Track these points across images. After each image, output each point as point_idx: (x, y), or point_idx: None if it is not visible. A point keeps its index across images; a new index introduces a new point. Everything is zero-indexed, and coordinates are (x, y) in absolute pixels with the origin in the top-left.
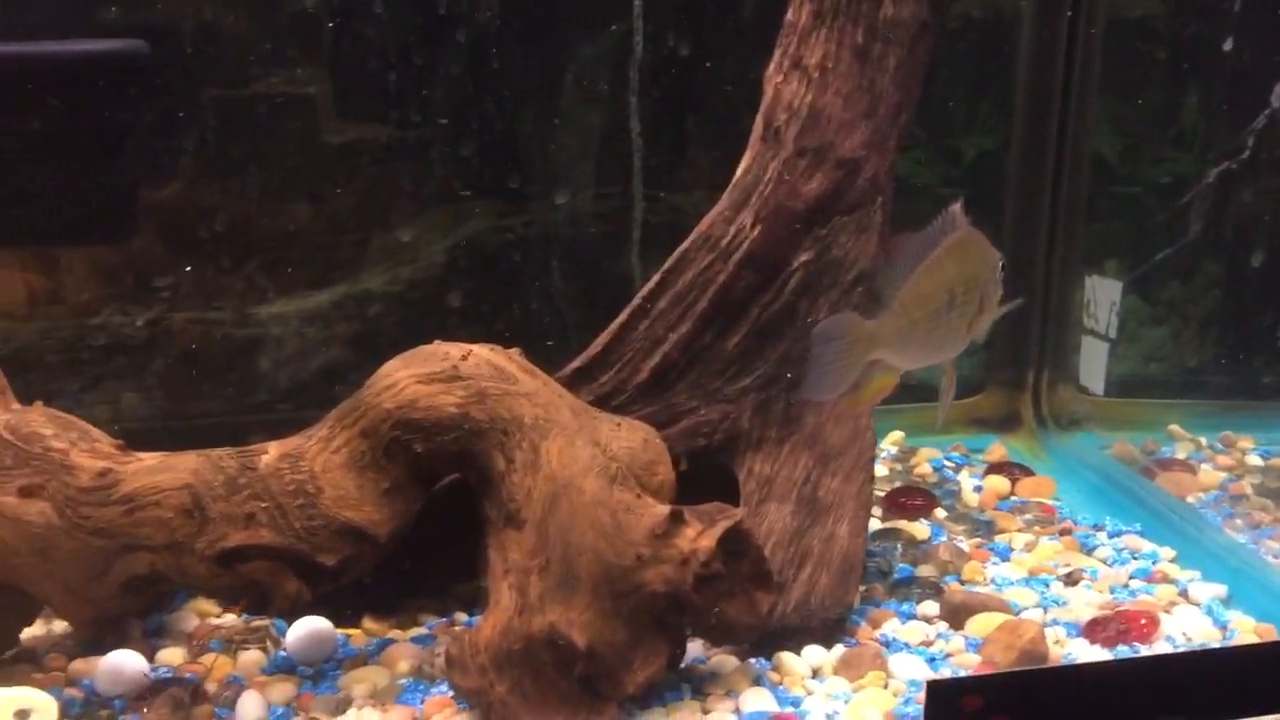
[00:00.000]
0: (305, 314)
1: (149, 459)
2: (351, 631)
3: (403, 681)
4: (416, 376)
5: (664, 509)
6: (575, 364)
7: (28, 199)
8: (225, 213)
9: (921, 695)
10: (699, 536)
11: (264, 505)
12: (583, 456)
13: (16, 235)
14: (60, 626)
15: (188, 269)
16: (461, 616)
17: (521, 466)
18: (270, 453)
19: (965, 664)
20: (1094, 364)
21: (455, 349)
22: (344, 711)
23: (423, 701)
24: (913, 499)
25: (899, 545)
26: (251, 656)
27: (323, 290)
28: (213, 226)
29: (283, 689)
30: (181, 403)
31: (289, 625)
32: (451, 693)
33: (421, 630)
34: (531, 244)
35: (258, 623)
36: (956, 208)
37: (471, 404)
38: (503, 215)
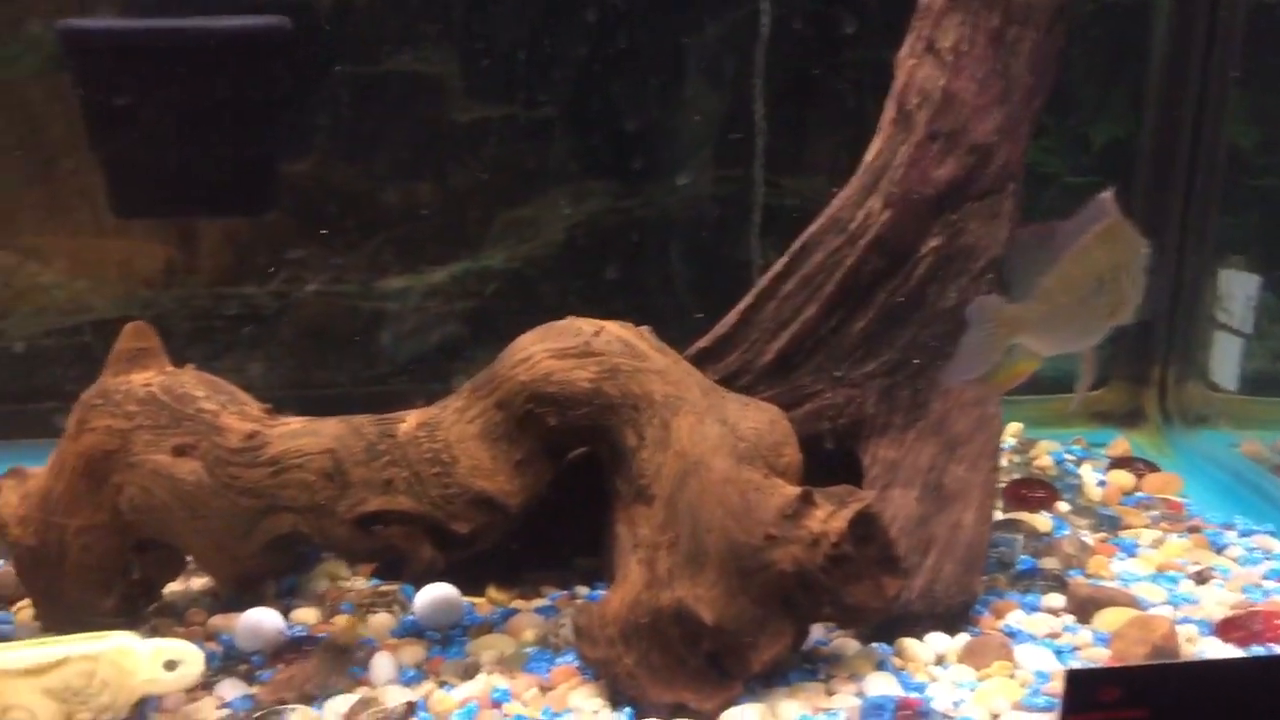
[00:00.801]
0: (428, 289)
1: (294, 423)
2: (476, 600)
3: (528, 650)
4: (550, 351)
5: (794, 489)
6: (701, 344)
7: (175, 173)
8: (355, 188)
9: (1050, 687)
10: (829, 518)
11: (402, 472)
12: (712, 435)
13: (163, 208)
14: (199, 583)
15: (317, 243)
16: (582, 590)
17: (652, 443)
18: (408, 421)
19: (1094, 658)
20: (1227, 359)
21: (588, 324)
22: (473, 677)
23: (549, 670)
24: (1034, 491)
25: (1020, 537)
26: (381, 620)
27: (445, 266)
28: (342, 201)
29: (413, 652)
30: (306, 373)
31: (417, 591)
32: (577, 663)
33: (544, 601)
34: (650, 225)
35: (386, 587)
36: (1107, 195)
37: (604, 379)
38: (622, 195)
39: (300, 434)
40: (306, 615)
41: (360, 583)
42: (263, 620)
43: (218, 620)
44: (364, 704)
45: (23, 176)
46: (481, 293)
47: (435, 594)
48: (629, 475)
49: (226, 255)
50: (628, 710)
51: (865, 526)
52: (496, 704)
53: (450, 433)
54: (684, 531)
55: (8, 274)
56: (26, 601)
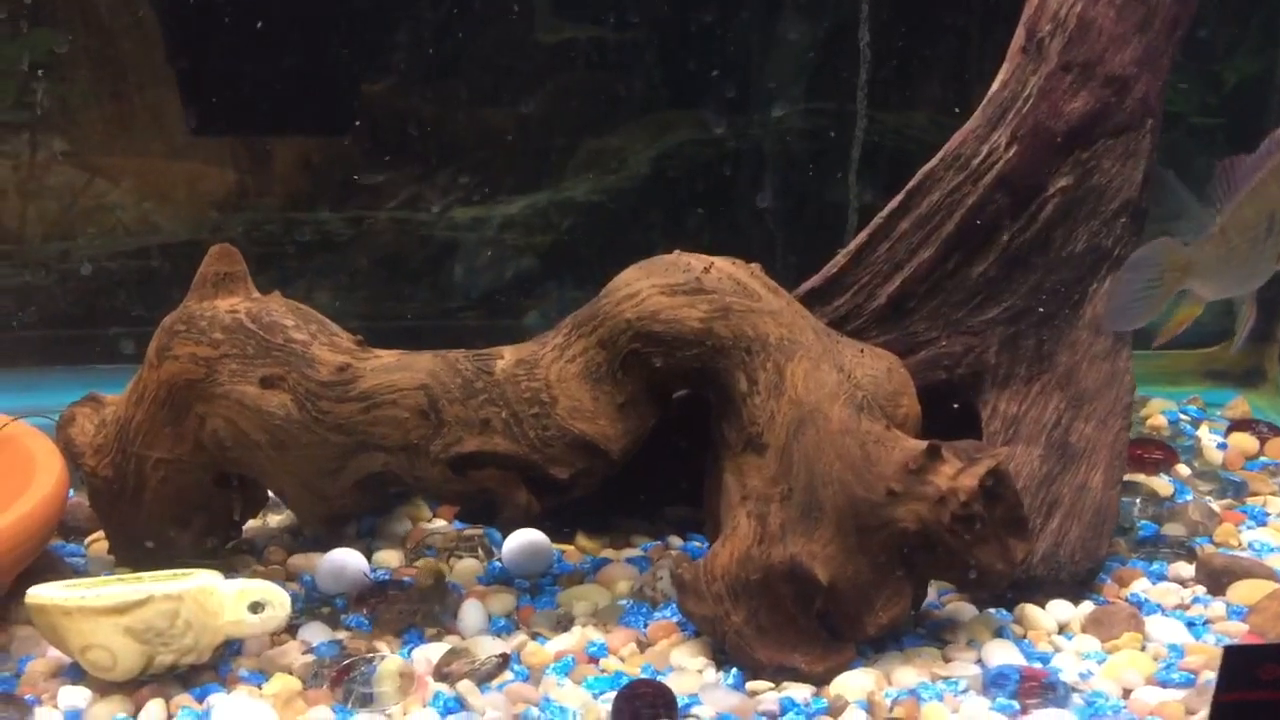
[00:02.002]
0: (505, 220)
1: (386, 356)
2: (565, 547)
3: (623, 603)
4: (659, 287)
5: (919, 442)
6: (810, 284)
7: (253, 89)
8: (434, 111)
9: (1187, 662)
10: (959, 474)
11: (499, 412)
12: (829, 382)
13: (239, 125)
14: (275, 520)
15: (393, 168)
16: (675, 541)
17: (765, 388)
18: (506, 358)
19: (1229, 632)
20: None
21: (697, 260)
22: (567, 629)
23: (646, 625)
24: (1151, 452)
25: (1137, 500)
26: (467, 565)
27: (525, 196)
28: (421, 125)
29: (502, 600)
30: (376, 304)
31: (504, 537)
32: (676, 618)
33: (635, 552)
34: (742, 158)
35: (470, 531)
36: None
37: (715, 319)
38: (710, 126)
39: (393, 368)
40: (388, 558)
41: (441, 525)
42: (346, 562)
43: (298, 560)
44: (454, 654)
45: (95, 91)
46: (560, 226)
47: (524, 540)
48: (739, 422)
49: (300, 179)
50: (734, 670)
51: (995, 485)
52: (593, 659)
53: (550, 371)
54: (798, 484)
55: (75, 192)
56: (99, 534)
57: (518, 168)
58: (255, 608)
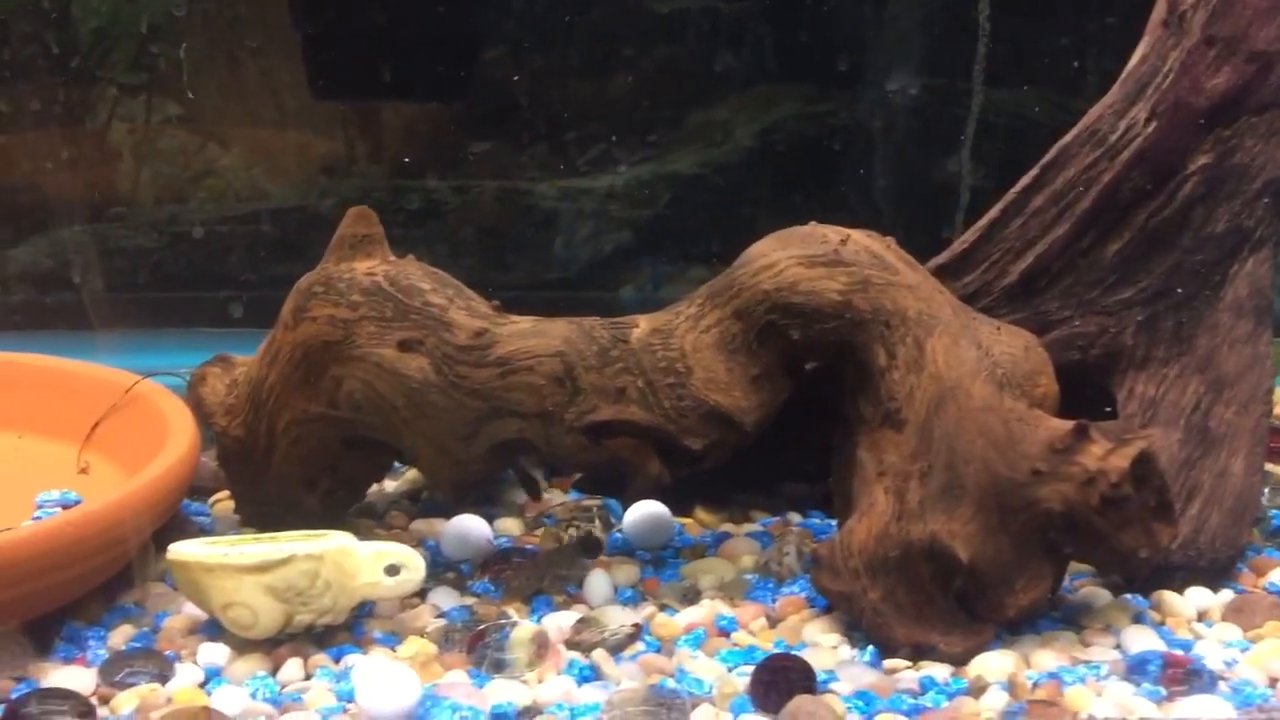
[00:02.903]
0: (610, 191)
1: (523, 322)
2: (684, 520)
3: (748, 577)
4: (796, 258)
5: (1065, 422)
6: (939, 260)
7: (375, 55)
8: (544, 81)
9: None
10: (1109, 455)
11: (635, 381)
12: (968, 358)
13: (360, 90)
14: (392, 486)
15: (501, 137)
16: (794, 517)
17: (904, 363)
18: (641, 326)
19: None
20: None
21: (833, 232)
22: (694, 602)
23: (774, 600)
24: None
25: (1266, 490)
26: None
27: (632, 167)
28: (531, 94)
29: (626, 571)
30: (481, 272)
31: (624, 508)
32: (804, 593)
33: (754, 527)
34: (848, 133)
35: (588, 502)
36: None
37: (854, 292)
38: (824, 100)
39: (529, 334)
40: (509, 526)
41: (556, 495)
42: (471, 528)
43: (419, 525)
44: (585, 624)
45: (211, 55)
46: (662, 198)
47: (646, 512)
48: (876, 397)
49: (409, 146)
50: (870, 648)
51: (1143, 467)
52: (724, 632)
53: (684, 341)
54: (938, 461)
55: (189, 155)
56: (224, 494)
57: (625, 139)
58: (391, 570)
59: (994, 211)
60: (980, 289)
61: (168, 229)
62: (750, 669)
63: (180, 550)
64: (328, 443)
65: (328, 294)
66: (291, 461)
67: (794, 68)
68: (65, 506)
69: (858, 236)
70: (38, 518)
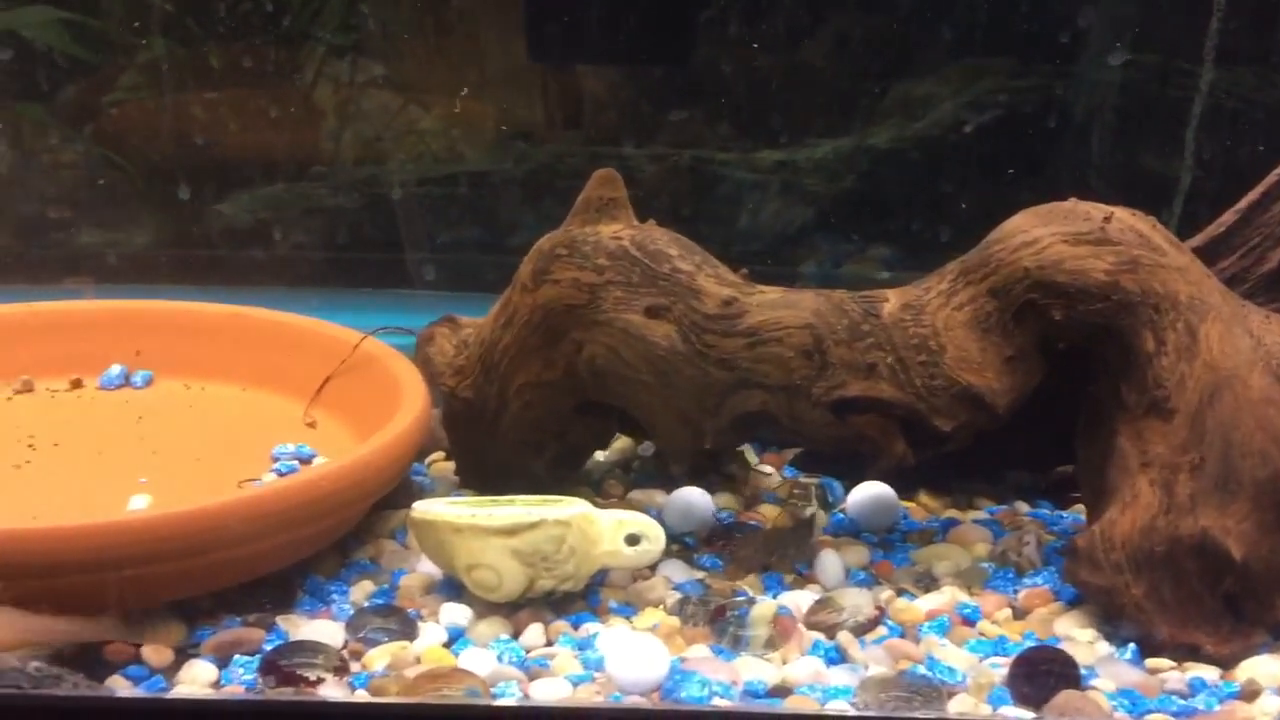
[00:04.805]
0: (807, 164)
1: (771, 292)
2: (908, 504)
3: (985, 566)
4: (1060, 235)
5: None
6: (1192, 242)
7: (595, 16)
8: (748, 49)
9: None
10: None
11: (886, 357)
12: (1243, 347)
13: (579, 52)
14: (601, 455)
15: (701, 106)
16: (1022, 506)
17: (1174, 349)
18: (891, 301)
19: None
20: None
21: (1095, 209)
22: (931, 588)
23: (1015, 591)
24: None
25: None
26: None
27: (830, 140)
28: (734, 63)
29: (856, 552)
30: None
31: (846, 489)
32: (1047, 585)
33: (980, 514)
34: (1059, 110)
35: (806, 480)
36: None
37: (1123, 272)
38: (1025, 74)
39: (779, 305)
40: (727, 501)
41: (768, 470)
42: (694, 501)
43: (637, 495)
44: (822, 604)
45: (415, 18)
46: (857, 173)
47: (872, 493)
48: (1141, 384)
49: (608, 113)
50: (1130, 645)
51: None
52: (968, 621)
53: (936, 318)
54: (1212, 454)
55: (390, 114)
56: (440, 454)
57: (825, 111)
58: (631, 540)
59: (1253, 194)
60: (1236, 275)
61: (365, 190)
62: (1001, 660)
63: (426, 509)
64: (559, 408)
65: (572, 257)
66: (520, 425)
67: (1001, 40)
68: (301, 459)
69: (1122, 214)
70: (277, 470)
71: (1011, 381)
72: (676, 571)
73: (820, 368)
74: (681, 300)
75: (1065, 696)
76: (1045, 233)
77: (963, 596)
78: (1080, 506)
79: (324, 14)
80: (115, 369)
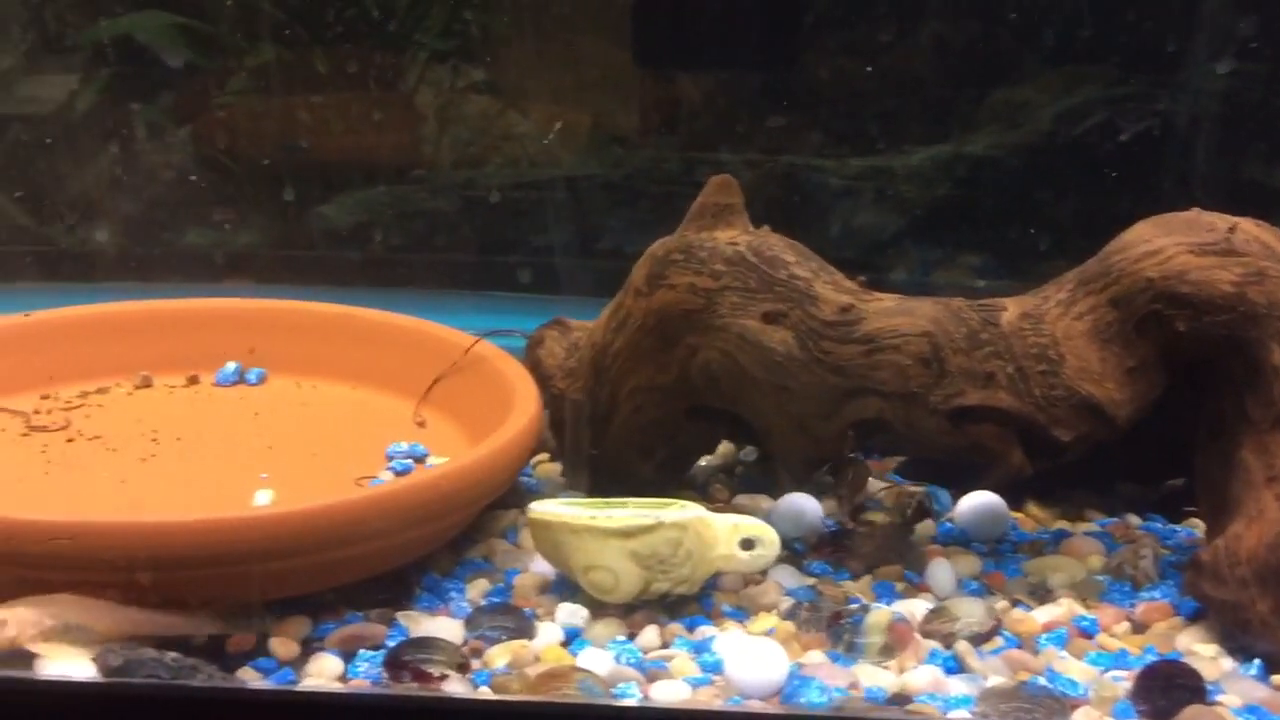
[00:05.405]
0: (903, 171)
1: (887, 299)
2: (1016, 515)
3: (1100, 579)
4: (1185, 246)
5: None
6: None
7: (704, 21)
8: (847, 55)
9: None
10: None
11: (1005, 366)
12: None
13: (687, 57)
14: (704, 460)
15: (799, 111)
16: (1133, 519)
17: None
18: (1010, 310)
19: None
20: None
21: (1219, 219)
22: (1046, 600)
23: (1132, 604)
24: None
25: None
26: (921, 524)
27: (927, 147)
28: (833, 69)
29: (966, 562)
30: None
31: (953, 497)
32: (1165, 599)
33: (1091, 526)
34: (1163, 119)
35: (912, 488)
36: None
37: (1249, 284)
38: (1127, 82)
39: (895, 312)
40: (829, 508)
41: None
42: (805, 507)
43: (743, 500)
44: (937, 613)
45: (515, 23)
46: (952, 180)
47: (981, 502)
48: (1267, 398)
49: (704, 118)
50: (1255, 661)
51: None
52: (1086, 634)
53: (1056, 328)
54: None
55: (488, 120)
56: (544, 456)
57: (924, 118)
58: (746, 544)
59: None
60: None
61: (462, 193)
62: (1122, 674)
63: (543, 509)
64: (670, 412)
65: (688, 262)
66: (630, 429)
67: (1102, 47)
68: (415, 458)
69: (1246, 225)
70: (392, 468)
71: (1132, 393)
72: (787, 577)
73: (938, 376)
74: (798, 306)
75: (1192, 711)
76: (1169, 243)
77: (1079, 609)
78: (1195, 521)
79: (428, 20)
80: (230, 366)
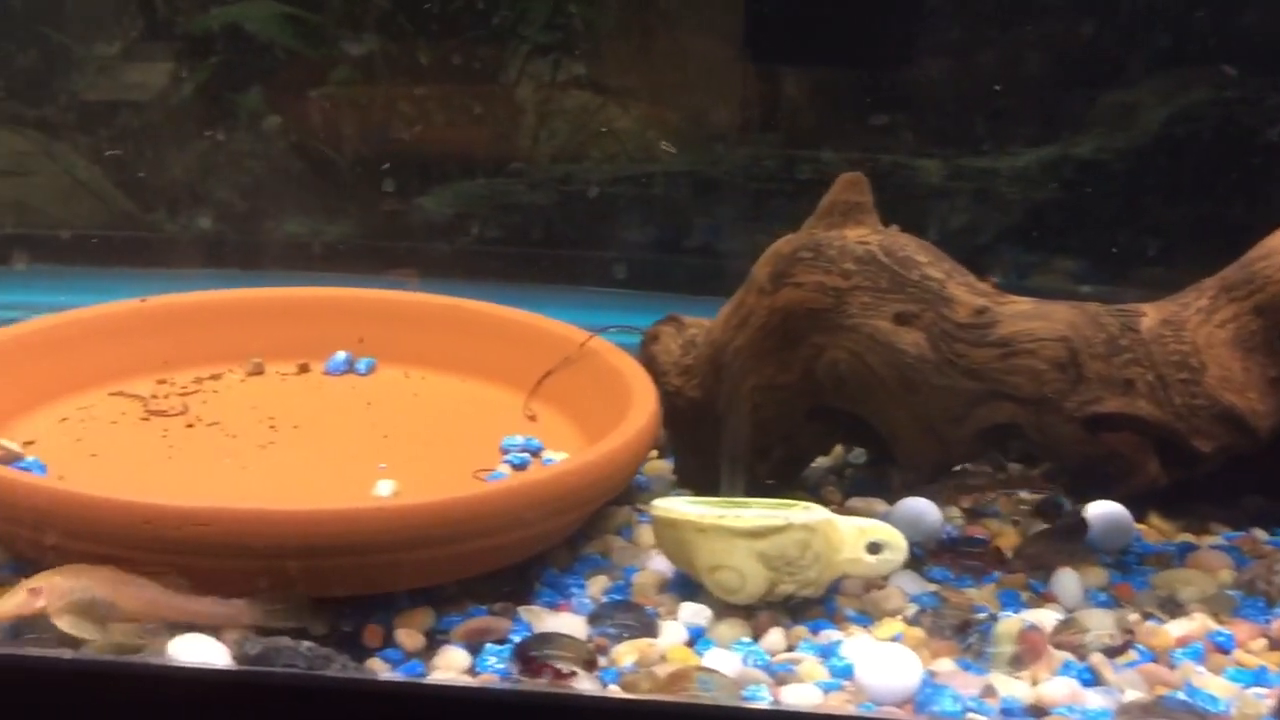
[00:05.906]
0: (1006, 173)
1: (1022, 303)
2: (1139, 526)
3: (1232, 594)
4: None
5: None
6: None
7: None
8: (953, 55)
9: None
10: None
11: (1145, 373)
12: None
13: (801, 53)
14: (816, 461)
15: (904, 109)
16: (1260, 534)
17: None
18: (1149, 316)
19: None
20: None
21: None
22: (1178, 614)
23: (1268, 620)
24: None
25: None
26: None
27: (1034, 149)
28: (939, 68)
29: (1093, 573)
30: None
31: (1075, 504)
32: None
33: (1217, 540)
34: (1273, 123)
35: (1029, 495)
36: None
37: None
38: (1236, 85)
39: (1031, 315)
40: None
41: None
42: (924, 513)
43: (856, 503)
44: (1066, 624)
45: (620, 20)
46: (1056, 183)
47: (1107, 512)
48: None
49: (806, 115)
50: None
51: None
52: (1221, 649)
53: (1197, 335)
54: None
55: (588, 114)
56: (653, 453)
57: (1030, 119)
58: (873, 548)
59: None
60: None
61: (559, 188)
62: (1264, 690)
63: (669, 507)
64: (790, 412)
65: (817, 260)
66: (748, 428)
67: (1214, 49)
68: (530, 452)
69: None
70: (508, 461)
71: (1275, 403)
72: (909, 583)
73: (1074, 381)
74: (931, 308)
75: None
76: None
77: (1212, 624)
78: None
79: (531, 13)
80: (340, 355)
